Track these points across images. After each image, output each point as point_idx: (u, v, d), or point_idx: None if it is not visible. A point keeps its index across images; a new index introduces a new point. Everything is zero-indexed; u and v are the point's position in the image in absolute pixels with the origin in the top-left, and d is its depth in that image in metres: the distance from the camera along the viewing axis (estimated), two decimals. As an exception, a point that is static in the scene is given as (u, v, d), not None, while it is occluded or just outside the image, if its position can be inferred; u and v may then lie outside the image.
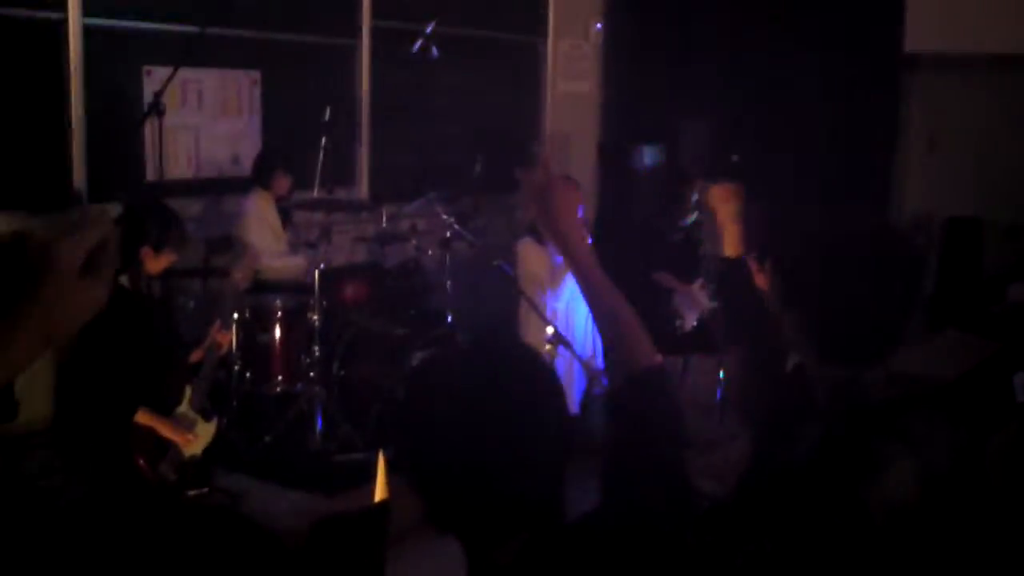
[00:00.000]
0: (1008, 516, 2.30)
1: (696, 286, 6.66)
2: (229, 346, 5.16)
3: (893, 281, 2.02)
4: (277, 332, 6.33)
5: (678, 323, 6.75)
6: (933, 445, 1.96)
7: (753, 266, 2.57)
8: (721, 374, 6.62)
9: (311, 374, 6.30)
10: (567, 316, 6.05)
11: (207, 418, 4.91)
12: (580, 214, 2.25)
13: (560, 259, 6.01)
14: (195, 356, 4.96)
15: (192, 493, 4.76)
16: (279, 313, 6.34)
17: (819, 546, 1.86)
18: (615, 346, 2.00)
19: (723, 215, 2.94)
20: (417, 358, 6.11)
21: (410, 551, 1.75)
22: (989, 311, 7.75)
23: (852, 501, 1.85)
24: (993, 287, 8.35)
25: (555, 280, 5.99)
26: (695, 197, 7.00)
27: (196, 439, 4.81)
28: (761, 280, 2.24)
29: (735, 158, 8.76)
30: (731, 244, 2.90)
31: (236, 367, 6.27)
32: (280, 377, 6.34)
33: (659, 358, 1.97)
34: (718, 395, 6.65)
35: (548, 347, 5.24)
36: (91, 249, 1.28)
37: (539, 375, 1.76)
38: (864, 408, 2.01)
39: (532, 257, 6.07)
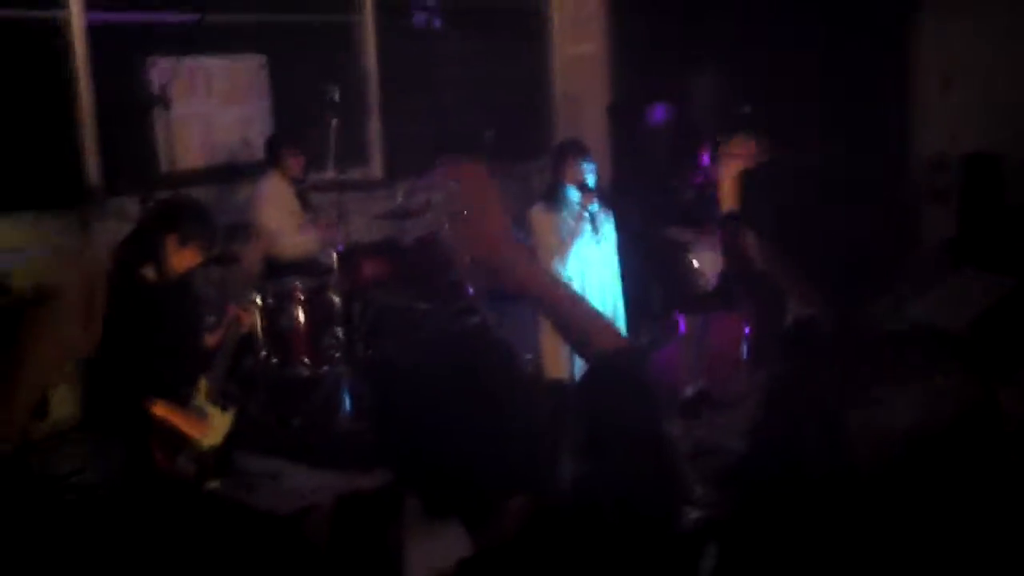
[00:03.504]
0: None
1: (713, 237, 6.64)
2: (251, 326, 5.16)
3: (882, 222, 2.05)
4: (300, 315, 6.37)
5: (700, 281, 6.74)
6: (934, 388, 1.98)
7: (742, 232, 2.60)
8: (746, 330, 6.61)
9: (336, 354, 6.34)
10: (580, 281, 6.04)
11: (224, 409, 4.92)
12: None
13: (571, 225, 6.01)
14: (212, 340, 4.98)
15: (211, 484, 4.77)
16: (300, 296, 6.38)
17: (810, 480, 1.89)
18: (582, 342, 2.09)
19: (726, 170, 2.96)
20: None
21: (416, 534, 1.79)
22: (1011, 246, 7.72)
23: (841, 434, 1.87)
24: (1015, 222, 8.31)
25: (566, 246, 5.99)
26: (707, 153, 6.98)
27: (211, 430, 4.81)
28: (748, 244, 2.28)
29: (747, 109, 8.72)
30: (727, 198, 2.93)
31: (261, 352, 6.32)
32: (305, 359, 6.39)
33: (625, 341, 2.07)
34: (744, 352, 6.65)
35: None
36: (88, 295, 1.39)
37: (498, 354, 1.80)
38: (870, 342, 2.03)
39: (544, 224, 6.05)
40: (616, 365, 2.05)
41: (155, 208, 4.87)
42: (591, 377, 2.07)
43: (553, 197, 6.09)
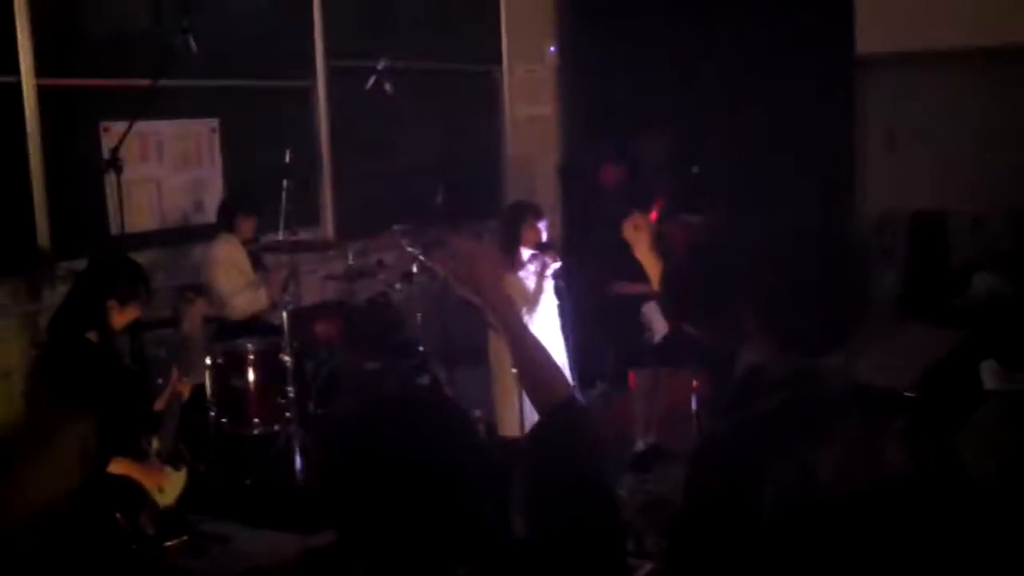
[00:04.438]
0: (988, 503, 2.33)
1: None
2: (193, 393, 5.17)
3: (841, 274, 2.09)
4: (251, 375, 6.40)
5: (647, 335, 6.80)
6: (862, 452, 2.00)
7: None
8: (694, 383, 6.66)
9: (287, 414, 6.35)
10: (545, 336, 6.11)
11: (177, 467, 4.93)
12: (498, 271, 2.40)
13: (532, 285, 6.09)
14: (158, 405, 5.00)
15: (171, 543, 4.77)
16: (251, 356, 6.40)
17: (714, 525, 1.93)
18: (536, 387, 2.15)
19: (639, 248, 3.02)
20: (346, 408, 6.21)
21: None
22: (954, 302, 7.84)
23: (743, 486, 1.91)
24: (959, 279, 8.45)
25: (535, 302, 6.07)
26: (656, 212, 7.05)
27: (169, 485, 4.83)
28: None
29: (695, 169, 8.85)
30: (653, 276, 2.97)
31: (212, 412, 6.33)
32: (256, 419, 6.40)
33: (571, 391, 2.13)
34: (693, 405, 6.70)
35: (515, 371, 5.29)
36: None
37: (448, 414, 1.83)
38: (811, 400, 2.06)
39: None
40: (564, 415, 2.09)
41: (90, 272, 4.88)
42: (539, 428, 2.10)
43: (509, 258, 6.17)
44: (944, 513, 2.00)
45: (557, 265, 6.08)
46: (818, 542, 1.89)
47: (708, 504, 1.95)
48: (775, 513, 1.87)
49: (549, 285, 6.11)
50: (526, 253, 6.14)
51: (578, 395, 2.20)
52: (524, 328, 2.25)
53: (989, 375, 6.45)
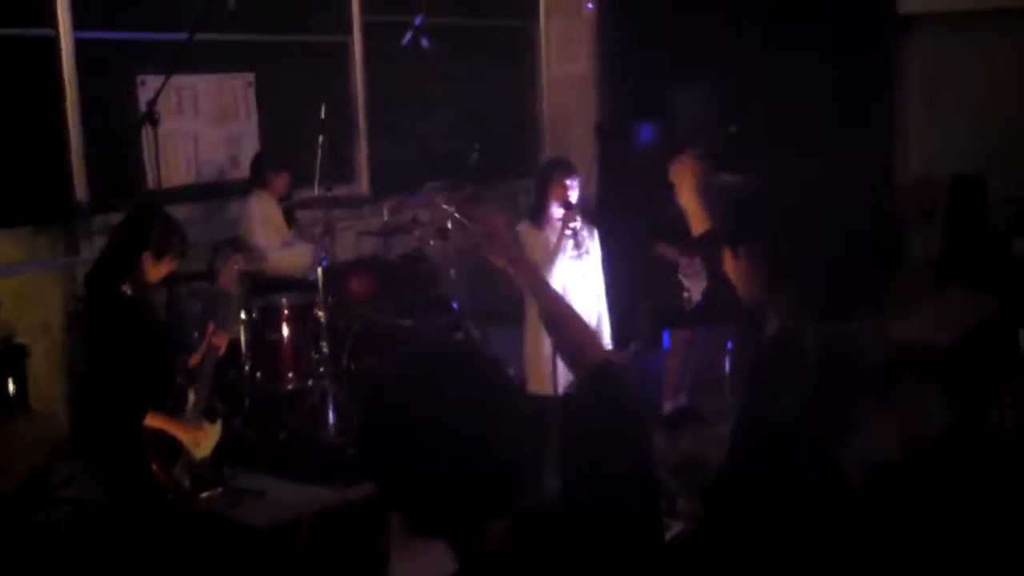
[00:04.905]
0: (1017, 468, 2.32)
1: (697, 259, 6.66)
2: (227, 348, 5.19)
3: (878, 238, 2.05)
4: (285, 330, 6.42)
5: (685, 296, 6.76)
6: (920, 411, 1.98)
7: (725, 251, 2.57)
8: (729, 345, 6.64)
9: (321, 369, 6.38)
10: (566, 297, 6.09)
11: (212, 420, 4.97)
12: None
13: (553, 241, 6.05)
14: (194, 360, 5.02)
15: (205, 495, 4.81)
16: (286, 311, 6.42)
17: (799, 505, 1.90)
18: (565, 346, 2.16)
19: (683, 191, 2.96)
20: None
21: (400, 549, 1.79)
22: (994, 266, 7.76)
23: (827, 460, 1.88)
24: (999, 242, 8.35)
25: (551, 262, 6.03)
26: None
27: (205, 438, 4.87)
28: (729, 265, 2.28)
29: (733, 128, 8.77)
30: (696, 220, 2.92)
31: (247, 367, 6.36)
32: (291, 374, 6.43)
33: (608, 354, 2.12)
34: (727, 367, 6.68)
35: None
36: None
37: (484, 368, 1.82)
38: (854, 368, 2.04)
39: (530, 240, 6.11)
40: (603, 379, 2.08)
41: (124, 226, 4.90)
42: (578, 391, 2.10)
43: (538, 215, 6.15)
44: (970, 470, 1.98)
45: (576, 225, 6.01)
46: (905, 504, 1.88)
47: (782, 480, 1.92)
48: (867, 483, 1.85)
49: (569, 244, 6.05)
50: (558, 212, 6.09)
51: (615, 357, 2.19)
52: (550, 289, 2.27)
53: (1028, 340, 6.39)
